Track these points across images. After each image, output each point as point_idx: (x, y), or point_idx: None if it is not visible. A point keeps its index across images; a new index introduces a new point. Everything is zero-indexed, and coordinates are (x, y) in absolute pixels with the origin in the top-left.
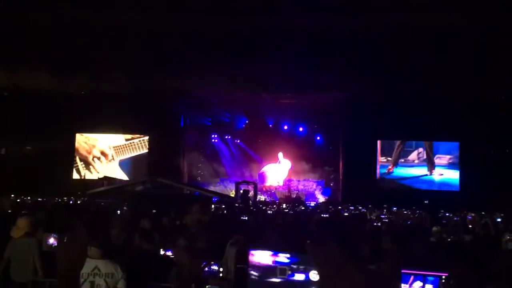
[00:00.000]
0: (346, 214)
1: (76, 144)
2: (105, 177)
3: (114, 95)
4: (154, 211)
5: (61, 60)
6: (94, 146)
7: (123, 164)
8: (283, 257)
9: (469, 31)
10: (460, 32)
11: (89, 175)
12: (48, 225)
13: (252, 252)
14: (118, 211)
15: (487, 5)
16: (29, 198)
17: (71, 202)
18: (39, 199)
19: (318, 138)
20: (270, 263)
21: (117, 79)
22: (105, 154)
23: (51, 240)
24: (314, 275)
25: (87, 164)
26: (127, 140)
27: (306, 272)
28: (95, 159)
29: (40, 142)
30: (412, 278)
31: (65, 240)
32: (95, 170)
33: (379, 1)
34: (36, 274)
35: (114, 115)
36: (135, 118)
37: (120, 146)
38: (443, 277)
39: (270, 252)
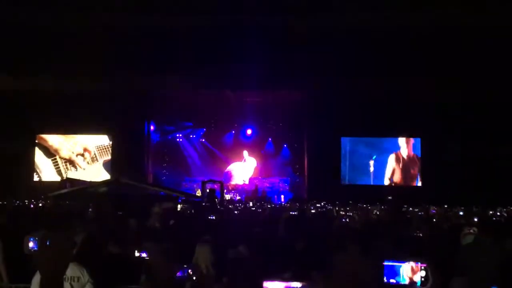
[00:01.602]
0: (313, 211)
1: (56, 145)
2: (68, 179)
3: (76, 95)
4: (120, 212)
5: (21, 59)
6: (75, 143)
7: (107, 166)
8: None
9: (426, 28)
10: (418, 30)
11: (73, 174)
12: (10, 229)
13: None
14: (83, 213)
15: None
16: None
17: (31, 205)
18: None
19: (283, 136)
20: None
21: (78, 79)
22: (88, 151)
23: (31, 244)
24: None
25: (70, 162)
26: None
27: None
28: (78, 156)
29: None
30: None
31: (47, 244)
32: (80, 166)
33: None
34: (1, 279)
35: (76, 116)
36: (98, 118)
37: (104, 146)
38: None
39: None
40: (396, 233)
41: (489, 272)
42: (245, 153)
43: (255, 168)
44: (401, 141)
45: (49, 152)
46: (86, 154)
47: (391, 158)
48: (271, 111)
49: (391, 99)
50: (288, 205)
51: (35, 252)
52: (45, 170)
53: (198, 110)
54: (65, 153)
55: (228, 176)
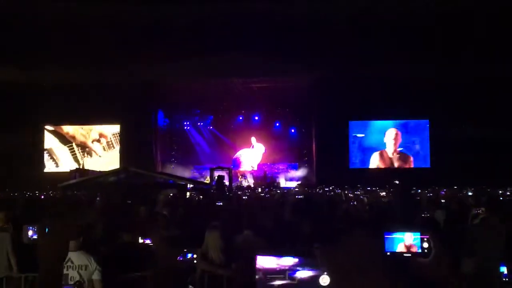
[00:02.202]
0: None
1: (72, 132)
2: (77, 169)
3: (84, 86)
4: (129, 201)
5: (28, 52)
6: (91, 129)
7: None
8: (290, 261)
9: (433, 10)
10: (424, 11)
11: (89, 162)
12: (23, 219)
13: (259, 257)
14: (92, 203)
15: None
16: None
17: (42, 196)
18: (10, 194)
19: (291, 121)
20: (276, 266)
21: (86, 70)
22: (104, 136)
23: (30, 233)
24: (324, 280)
25: (87, 149)
26: None
27: (315, 276)
28: (94, 142)
29: (8, 136)
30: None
31: (46, 233)
32: (96, 153)
33: None
34: (11, 269)
35: (84, 106)
36: (106, 108)
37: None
38: (425, 239)
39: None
40: (404, 215)
41: (497, 251)
42: (253, 139)
43: (263, 154)
44: (388, 136)
45: (66, 140)
46: (102, 140)
47: (374, 157)
48: (278, 97)
49: (398, 81)
50: (296, 190)
51: (34, 240)
52: (62, 158)
53: (205, 98)
54: (80, 140)
55: (237, 162)
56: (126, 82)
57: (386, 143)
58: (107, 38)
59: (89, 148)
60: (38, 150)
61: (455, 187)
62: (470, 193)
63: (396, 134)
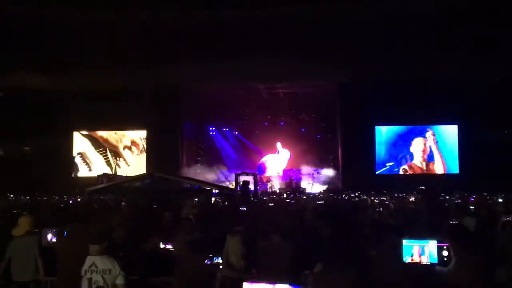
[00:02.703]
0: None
1: (105, 136)
2: (104, 174)
3: (111, 92)
4: (155, 206)
5: (56, 59)
6: (123, 136)
7: None
8: None
9: (469, 12)
10: (458, 15)
11: (119, 168)
12: (49, 224)
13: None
14: (118, 208)
15: None
16: (28, 198)
17: (70, 201)
18: (38, 198)
19: (316, 126)
20: None
21: (113, 76)
22: (136, 144)
23: (50, 236)
24: None
25: (118, 155)
26: None
27: None
28: (125, 149)
29: (38, 141)
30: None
31: (64, 236)
32: (126, 161)
33: None
34: (37, 273)
35: (111, 112)
36: (133, 114)
37: None
38: (444, 247)
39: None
40: (431, 221)
41: None
42: (279, 144)
43: (289, 160)
44: (416, 146)
45: (99, 144)
46: (134, 148)
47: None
48: (304, 102)
49: (426, 86)
50: (321, 195)
51: (53, 244)
52: (95, 161)
53: (231, 103)
54: (113, 144)
55: (262, 168)
56: (152, 87)
57: (413, 153)
58: (134, 43)
59: (120, 154)
60: (67, 155)
61: (485, 193)
62: (500, 200)
63: (424, 145)
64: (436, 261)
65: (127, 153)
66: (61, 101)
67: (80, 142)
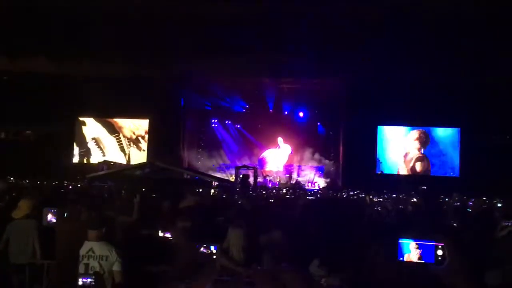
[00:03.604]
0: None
1: (120, 123)
2: (105, 161)
3: (114, 79)
4: (153, 195)
5: (61, 44)
6: (140, 125)
7: None
8: None
9: (470, 15)
10: (461, 16)
11: (135, 153)
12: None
13: None
14: (117, 195)
15: None
16: (27, 181)
17: (70, 187)
18: (38, 182)
19: (319, 123)
20: None
21: (117, 63)
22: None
23: (49, 216)
24: None
25: (131, 141)
26: None
27: None
28: (139, 137)
29: (40, 127)
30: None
31: (64, 217)
32: (139, 148)
33: None
34: (35, 256)
35: (114, 99)
36: (135, 102)
37: None
38: (439, 246)
39: None
40: (429, 222)
41: None
42: (280, 139)
43: (290, 155)
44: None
45: (114, 129)
46: (147, 137)
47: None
48: (307, 98)
49: (430, 87)
50: (321, 192)
51: (53, 224)
52: (109, 147)
53: (235, 96)
54: (127, 132)
55: (262, 162)
56: (156, 77)
57: (408, 145)
58: (141, 33)
59: (135, 141)
60: (68, 140)
61: (484, 198)
62: (499, 205)
63: (419, 136)
64: (432, 260)
65: (141, 140)
66: (64, 87)
67: (94, 127)
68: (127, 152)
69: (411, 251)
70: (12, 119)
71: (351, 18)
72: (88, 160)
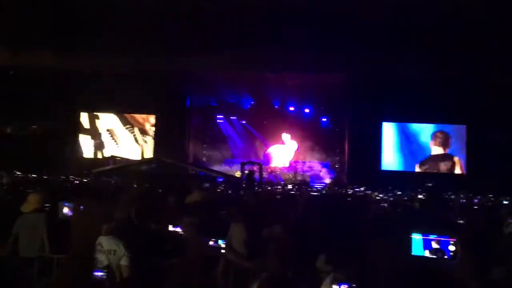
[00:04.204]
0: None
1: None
2: (111, 156)
3: (120, 75)
4: (160, 190)
5: (66, 39)
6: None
7: None
8: None
9: (475, 12)
10: (466, 13)
11: (146, 145)
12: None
13: None
14: (125, 190)
15: None
16: (34, 175)
17: (76, 181)
18: (44, 177)
19: (324, 119)
20: None
21: (122, 58)
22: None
23: (66, 210)
24: None
25: (144, 133)
26: None
27: None
28: (152, 127)
29: (46, 121)
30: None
31: (80, 210)
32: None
33: None
34: (44, 250)
35: (119, 94)
36: (141, 98)
37: None
38: (451, 242)
39: None
40: (435, 218)
41: None
42: (286, 136)
43: (295, 152)
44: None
45: (127, 121)
46: (153, 133)
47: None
48: (313, 94)
49: (436, 84)
50: (327, 189)
51: (69, 217)
52: (123, 138)
53: (240, 92)
54: (140, 122)
55: (268, 158)
56: (161, 72)
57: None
58: (145, 27)
59: (147, 131)
60: (73, 135)
61: (490, 195)
62: (505, 202)
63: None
64: (448, 255)
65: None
66: (70, 82)
67: (108, 119)
68: (140, 143)
69: (426, 246)
70: (18, 114)
71: (356, 11)
72: (102, 153)
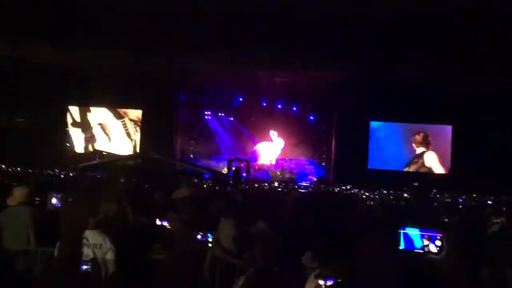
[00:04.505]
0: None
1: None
2: (96, 151)
3: (107, 69)
4: (146, 185)
5: (55, 32)
6: None
7: None
8: None
9: (465, 12)
10: (455, 14)
11: (138, 139)
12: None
13: None
14: (111, 184)
15: None
16: (18, 169)
17: (62, 175)
18: (30, 170)
19: (312, 118)
20: None
21: (110, 53)
22: None
23: (54, 200)
24: None
25: (138, 125)
26: None
27: None
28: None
29: (32, 114)
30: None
31: (69, 202)
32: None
33: None
34: (29, 243)
35: (107, 88)
36: (129, 92)
37: None
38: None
39: None
40: (421, 217)
41: None
42: (273, 133)
43: (282, 149)
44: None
45: (119, 114)
46: (139, 128)
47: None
48: (301, 92)
49: (422, 84)
50: (313, 187)
51: (57, 208)
52: (115, 132)
53: (228, 89)
54: (132, 116)
55: (255, 155)
56: (151, 68)
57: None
58: (136, 23)
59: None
60: (60, 128)
61: (474, 194)
62: (489, 202)
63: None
64: (434, 250)
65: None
66: (57, 75)
67: (100, 113)
68: (133, 136)
69: (417, 240)
70: (5, 106)
71: (344, 14)
72: (93, 146)
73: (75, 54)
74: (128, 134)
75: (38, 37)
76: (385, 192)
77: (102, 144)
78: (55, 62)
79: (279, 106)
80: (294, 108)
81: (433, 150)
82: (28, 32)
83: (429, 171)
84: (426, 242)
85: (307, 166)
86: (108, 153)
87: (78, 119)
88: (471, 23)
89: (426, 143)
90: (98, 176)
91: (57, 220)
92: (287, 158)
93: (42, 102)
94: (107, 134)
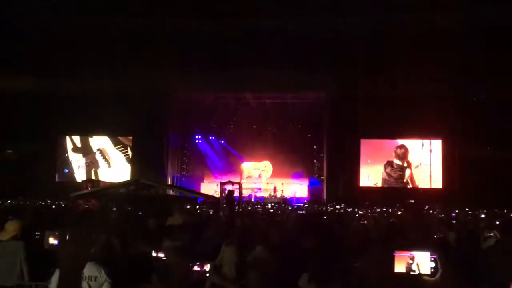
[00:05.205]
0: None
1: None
2: (89, 180)
3: (98, 97)
4: (140, 213)
5: (44, 62)
6: None
7: None
8: None
9: (452, 29)
10: (443, 31)
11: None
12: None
13: None
14: (104, 214)
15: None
16: (10, 201)
17: (53, 206)
18: (21, 202)
19: (302, 137)
20: None
21: (101, 80)
22: None
23: (51, 239)
24: None
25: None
26: None
27: None
28: None
29: (22, 145)
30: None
31: (67, 240)
32: None
33: (359, 2)
34: (22, 278)
35: (98, 117)
36: (119, 120)
37: None
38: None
39: None
40: (415, 234)
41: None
42: (264, 155)
43: (274, 170)
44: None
45: (118, 141)
46: (131, 154)
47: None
48: (291, 113)
49: (411, 101)
50: (306, 206)
51: (55, 247)
52: (114, 158)
53: (218, 112)
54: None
55: (247, 177)
56: (139, 94)
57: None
58: (125, 49)
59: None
60: (50, 159)
61: (467, 209)
62: (482, 216)
63: (405, 150)
64: (428, 271)
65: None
66: (47, 105)
67: (100, 139)
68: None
69: (406, 263)
70: None
71: (332, 35)
72: (96, 172)
73: (62, 83)
74: (129, 160)
75: (19, 68)
76: (378, 210)
77: (103, 170)
78: (39, 92)
79: (270, 127)
80: (285, 129)
81: (422, 165)
82: (8, 62)
83: (415, 186)
84: (420, 264)
85: (299, 186)
86: (100, 181)
87: (79, 144)
88: (460, 39)
89: (403, 157)
90: (90, 205)
91: (50, 254)
92: (278, 178)
93: (30, 132)
94: (107, 160)
